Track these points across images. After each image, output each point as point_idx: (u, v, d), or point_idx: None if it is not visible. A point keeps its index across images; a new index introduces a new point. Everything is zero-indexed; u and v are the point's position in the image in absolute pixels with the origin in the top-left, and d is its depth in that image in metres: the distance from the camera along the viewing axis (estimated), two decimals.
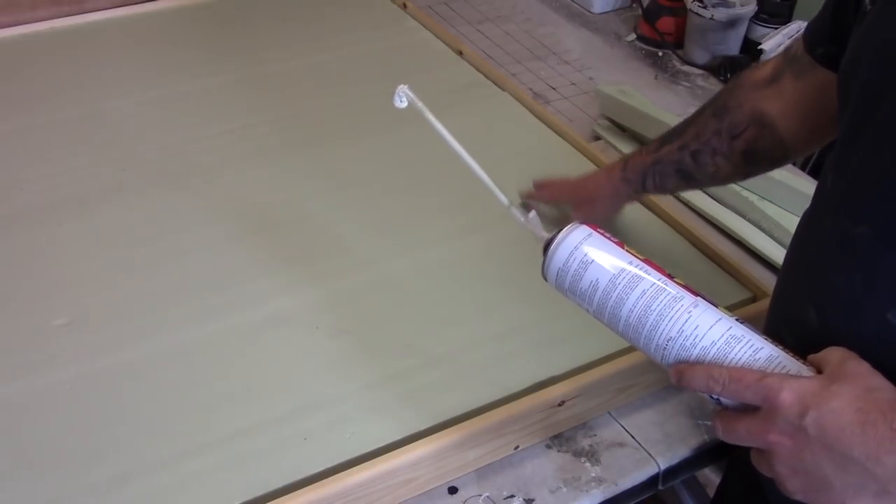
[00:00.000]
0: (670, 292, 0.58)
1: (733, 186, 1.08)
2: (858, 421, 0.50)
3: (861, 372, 0.53)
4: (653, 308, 0.58)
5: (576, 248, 0.61)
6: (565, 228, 0.62)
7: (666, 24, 1.50)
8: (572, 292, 0.62)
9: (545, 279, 0.64)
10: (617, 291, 0.59)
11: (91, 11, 1.40)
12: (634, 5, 1.60)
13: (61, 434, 0.77)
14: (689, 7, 1.44)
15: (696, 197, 1.10)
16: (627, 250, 0.61)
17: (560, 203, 0.97)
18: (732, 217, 1.07)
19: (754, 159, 0.82)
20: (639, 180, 0.89)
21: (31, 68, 1.28)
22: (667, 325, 0.58)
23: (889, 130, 0.55)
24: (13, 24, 1.35)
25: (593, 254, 0.61)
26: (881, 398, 0.51)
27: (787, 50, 0.79)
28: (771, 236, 1.03)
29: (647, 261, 0.60)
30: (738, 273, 0.95)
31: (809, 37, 0.74)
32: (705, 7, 1.41)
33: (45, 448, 0.76)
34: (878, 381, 0.53)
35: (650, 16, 1.51)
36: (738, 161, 0.82)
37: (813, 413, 0.51)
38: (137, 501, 0.72)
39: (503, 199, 0.70)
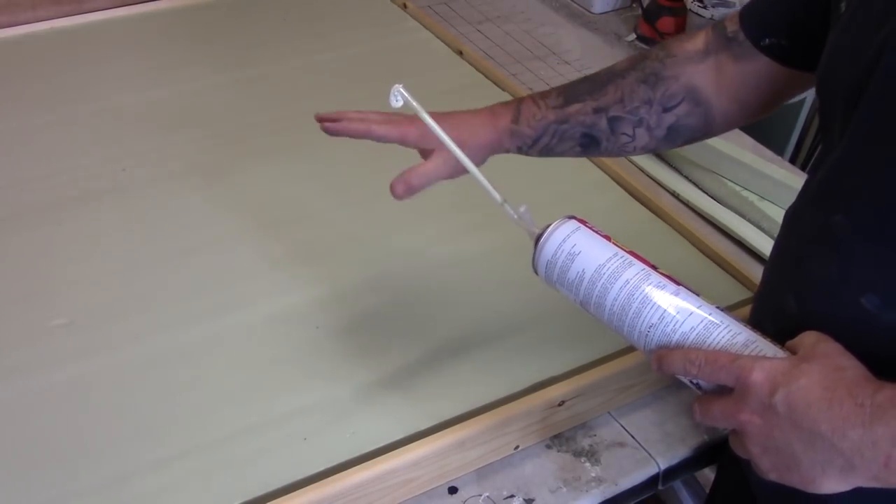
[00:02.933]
0: (653, 280, 0.60)
1: (733, 186, 1.08)
2: (825, 398, 0.52)
3: (831, 352, 0.55)
4: (636, 296, 0.60)
5: (564, 240, 0.64)
6: (555, 223, 0.65)
7: (666, 24, 1.50)
8: (560, 283, 0.64)
9: (535, 272, 0.66)
10: (602, 281, 0.61)
11: (91, 11, 1.40)
12: (634, 5, 1.60)
13: (61, 434, 0.77)
14: (689, 7, 1.44)
15: (696, 197, 1.10)
16: (614, 243, 0.63)
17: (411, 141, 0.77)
18: (732, 217, 1.07)
19: (676, 135, 0.78)
20: (531, 137, 0.78)
21: (31, 68, 1.28)
22: (649, 312, 0.60)
23: (865, 125, 0.57)
24: (13, 24, 1.35)
25: (580, 246, 0.63)
26: (848, 376, 0.53)
27: (720, 27, 0.75)
28: (771, 236, 1.03)
29: (632, 252, 0.63)
30: (738, 273, 0.95)
31: (752, 27, 0.73)
32: (705, 7, 1.41)
33: (45, 448, 0.76)
34: (848, 360, 0.54)
35: (650, 16, 1.51)
36: (660, 135, 0.77)
37: (782, 391, 0.53)
38: (137, 501, 0.72)
39: (496, 196, 0.70)
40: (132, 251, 0.96)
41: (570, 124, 0.77)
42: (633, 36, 1.54)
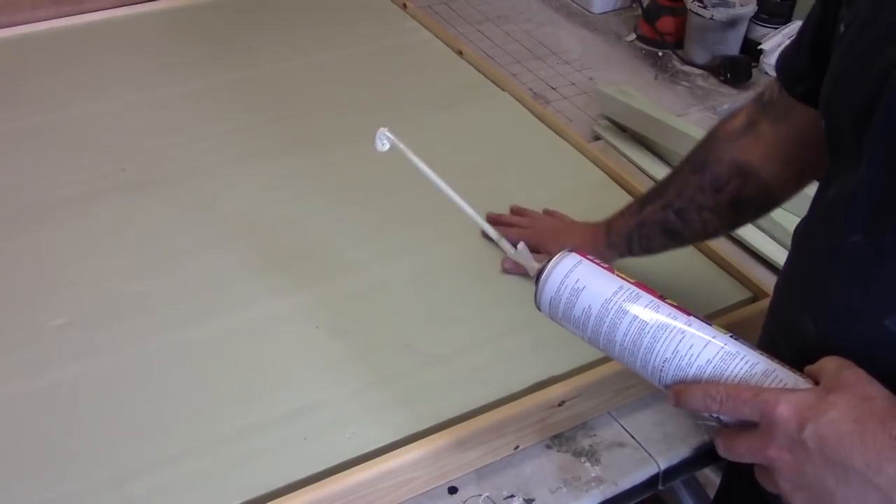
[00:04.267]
0: (662, 313, 0.59)
1: None
2: (857, 431, 0.50)
3: (857, 381, 0.53)
4: (646, 330, 0.58)
5: (566, 275, 0.62)
6: (555, 257, 0.63)
7: (666, 23, 1.50)
8: (566, 320, 0.63)
9: (539, 309, 0.65)
10: (610, 316, 0.60)
11: (91, 11, 1.40)
12: (634, 5, 1.60)
13: (61, 434, 0.77)
14: (689, 7, 1.44)
15: None
16: (618, 275, 0.61)
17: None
18: None
19: (742, 209, 0.81)
20: (624, 244, 0.88)
21: (31, 68, 1.28)
22: (661, 347, 0.58)
23: (880, 147, 0.56)
24: (13, 24, 1.35)
25: (584, 280, 0.61)
26: (878, 406, 0.51)
27: (758, 97, 0.78)
28: (771, 236, 1.03)
29: (637, 283, 0.61)
30: (738, 273, 0.95)
31: (786, 77, 0.74)
32: (705, 7, 1.41)
33: (45, 448, 0.76)
34: (875, 389, 0.53)
35: (650, 16, 1.51)
36: (725, 213, 0.81)
37: (811, 426, 0.51)
38: (137, 501, 0.72)
39: (492, 232, 0.70)
40: (132, 251, 0.96)
41: (648, 225, 0.86)
42: (633, 36, 1.54)
